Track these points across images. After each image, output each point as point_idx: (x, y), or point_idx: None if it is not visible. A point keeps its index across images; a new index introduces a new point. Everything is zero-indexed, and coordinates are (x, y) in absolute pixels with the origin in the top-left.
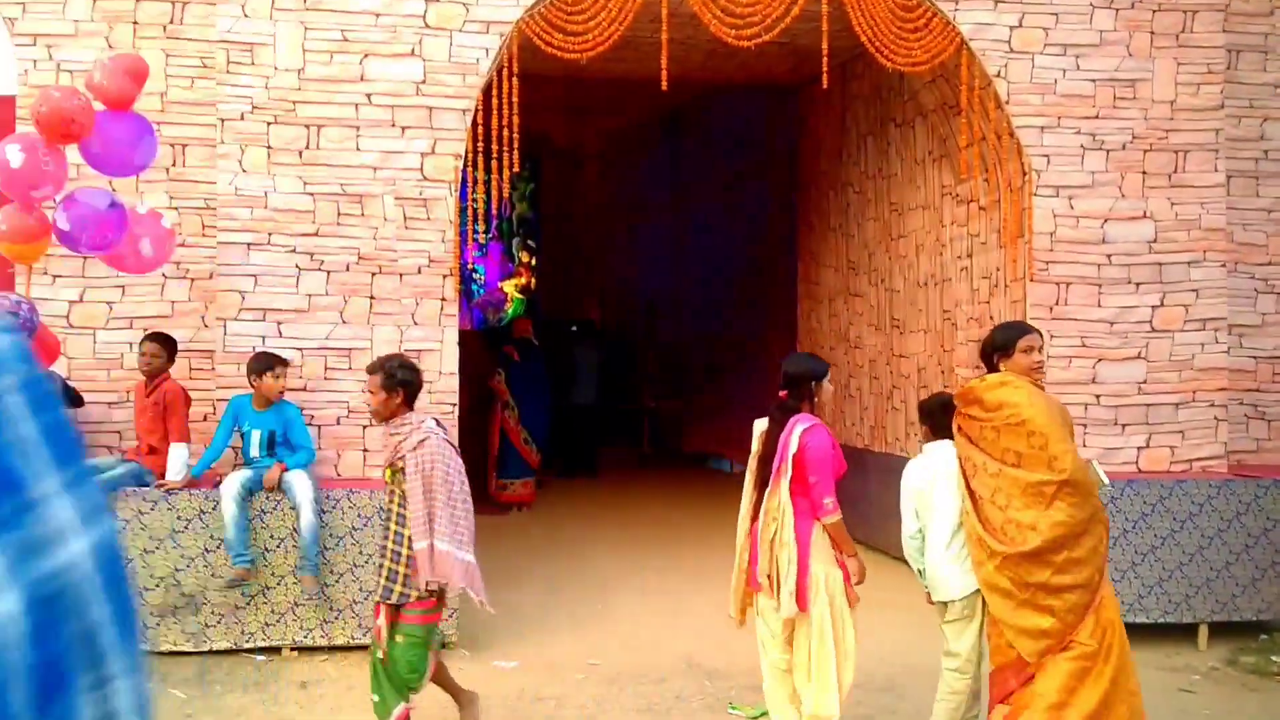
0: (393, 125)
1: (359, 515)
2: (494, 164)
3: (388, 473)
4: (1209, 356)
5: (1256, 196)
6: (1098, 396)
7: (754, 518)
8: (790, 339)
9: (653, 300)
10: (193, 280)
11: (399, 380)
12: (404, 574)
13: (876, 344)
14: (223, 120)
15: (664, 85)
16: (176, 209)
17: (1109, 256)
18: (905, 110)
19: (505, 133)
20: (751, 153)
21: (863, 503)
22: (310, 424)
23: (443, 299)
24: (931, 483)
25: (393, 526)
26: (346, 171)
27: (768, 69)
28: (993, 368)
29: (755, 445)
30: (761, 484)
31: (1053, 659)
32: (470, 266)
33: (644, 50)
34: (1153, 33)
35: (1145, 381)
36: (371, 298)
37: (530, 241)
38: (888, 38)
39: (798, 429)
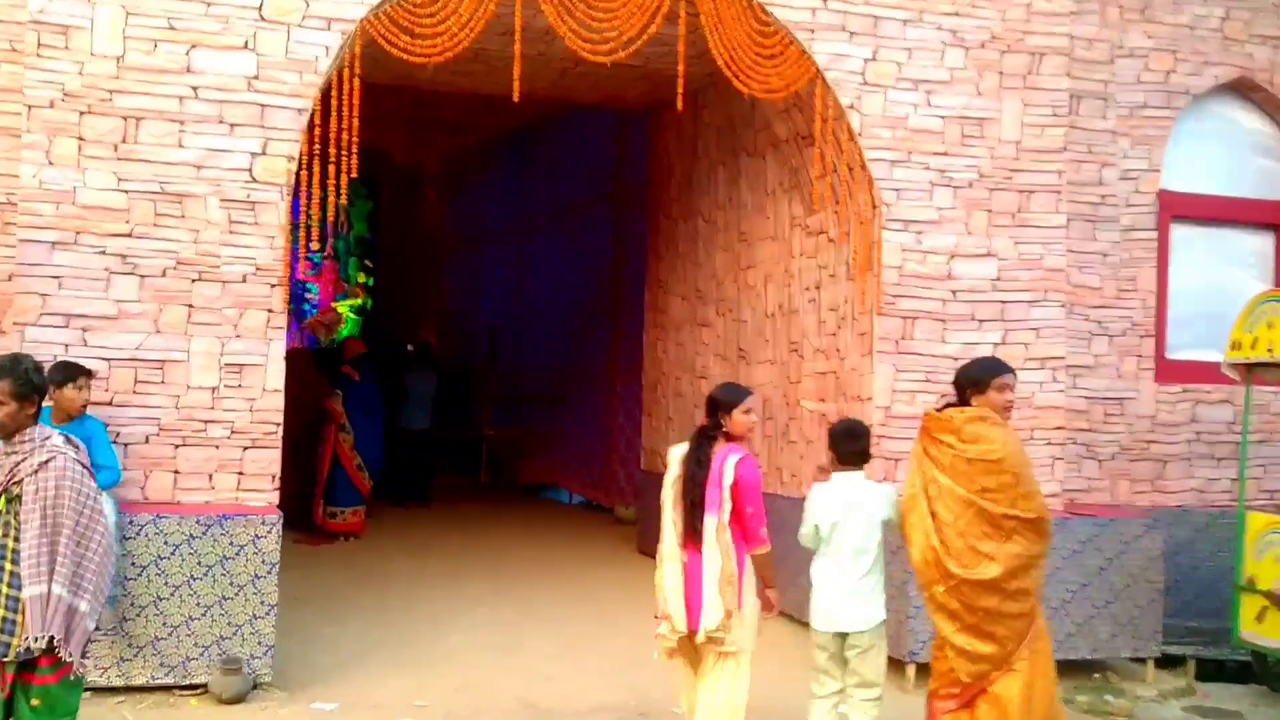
0: (220, 121)
1: (165, 543)
2: (331, 169)
3: (1, 501)
4: (1047, 395)
5: (1093, 240)
6: None
7: (684, 548)
8: (636, 368)
9: (494, 325)
10: None
11: (35, 386)
12: (19, 623)
13: (723, 374)
14: (30, 107)
15: (515, 96)
16: None
17: (954, 292)
18: (757, 141)
19: (345, 136)
20: (600, 178)
21: None
22: (115, 442)
23: (269, 310)
24: (845, 514)
25: (6, 566)
26: (167, 169)
27: (620, 91)
28: (964, 400)
29: (675, 469)
30: (687, 511)
31: (998, 680)
32: (303, 284)
33: (493, 64)
34: (1001, 73)
35: None
36: (190, 306)
37: (367, 262)
38: (744, 63)
39: (730, 460)
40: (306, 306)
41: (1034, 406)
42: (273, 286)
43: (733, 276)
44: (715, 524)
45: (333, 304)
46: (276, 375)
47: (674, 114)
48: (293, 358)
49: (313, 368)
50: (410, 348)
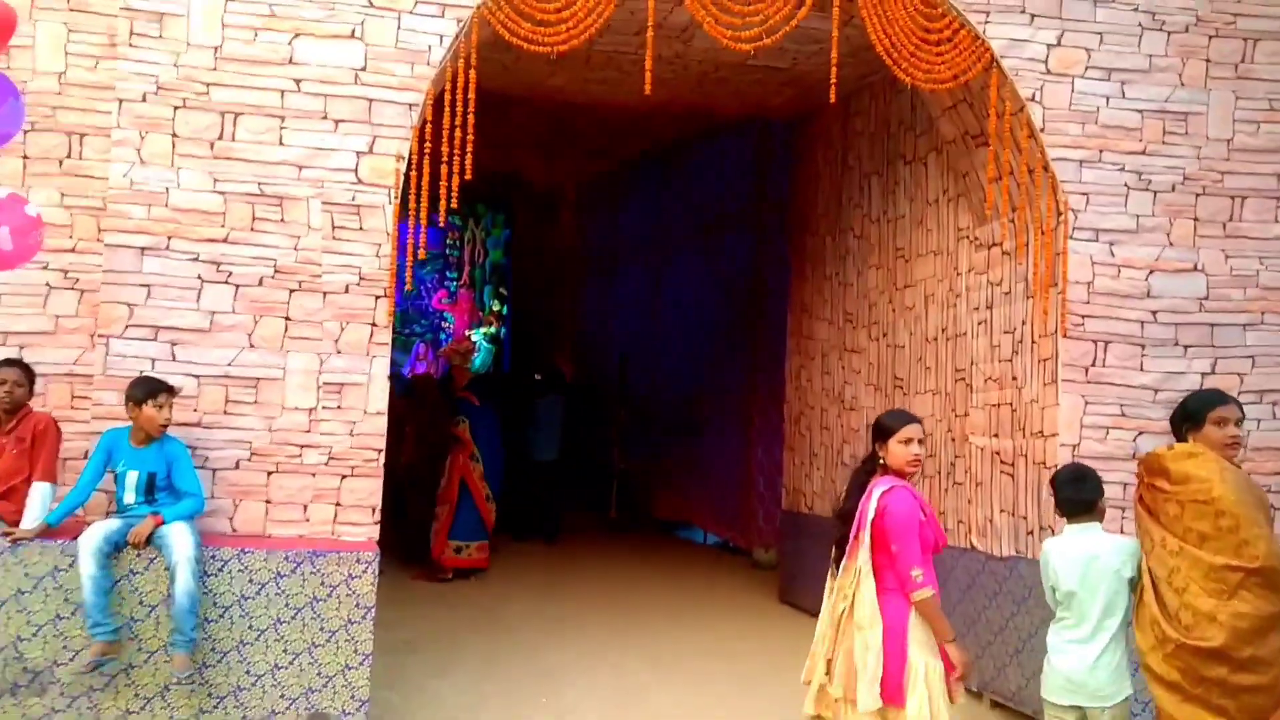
0: (324, 117)
1: (251, 581)
2: (443, 169)
3: None
4: (1265, 435)
5: None
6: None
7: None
8: (777, 398)
9: (626, 352)
10: (83, 292)
11: None
12: None
13: (876, 405)
14: (121, 101)
15: (647, 88)
16: (69, 208)
17: (1154, 313)
18: (917, 146)
19: (459, 135)
20: (740, 196)
21: None
22: (203, 467)
23: (373, 324)
24: (1085, 573)
25: None
26: (266, 169)
27: (764, 99)
28: (1181, 439)
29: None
30: (841, 549)
31: None
32: (440, 313)
33: (627, 69)
34: (1208, 61)
35: None
36: (287, 318)
37: (502, 289)
38: (907, 50)
39: (876, 491)
40: (443, 335)
41: (1249, 448)
42: (377, 299)
43: (887, 297)
44: (854, 568)
45: (466, 332)
46: (379, 396)
47: (822, 124)
48: (421, 383)
49: (436, 394)
50: (538, 375)
